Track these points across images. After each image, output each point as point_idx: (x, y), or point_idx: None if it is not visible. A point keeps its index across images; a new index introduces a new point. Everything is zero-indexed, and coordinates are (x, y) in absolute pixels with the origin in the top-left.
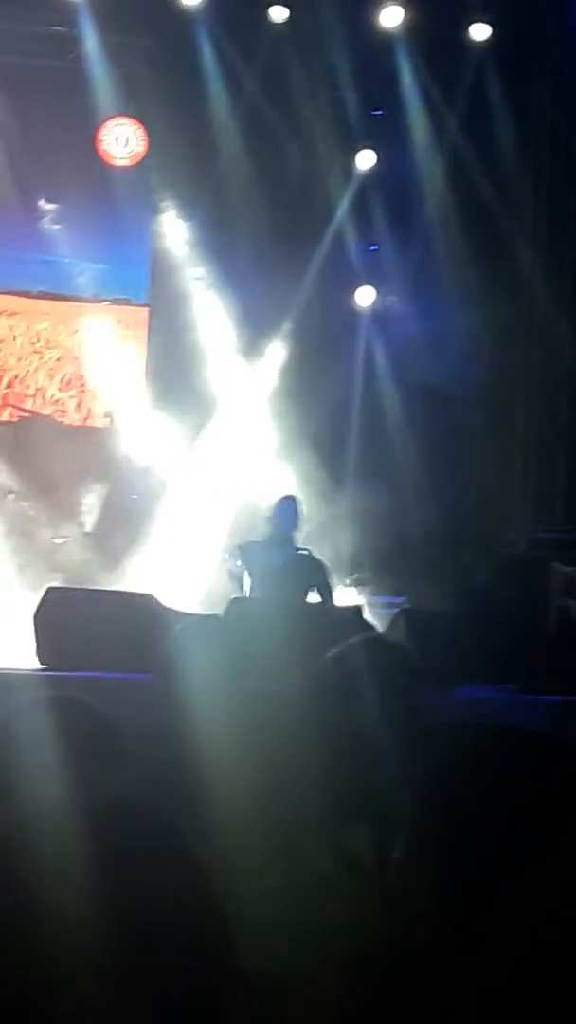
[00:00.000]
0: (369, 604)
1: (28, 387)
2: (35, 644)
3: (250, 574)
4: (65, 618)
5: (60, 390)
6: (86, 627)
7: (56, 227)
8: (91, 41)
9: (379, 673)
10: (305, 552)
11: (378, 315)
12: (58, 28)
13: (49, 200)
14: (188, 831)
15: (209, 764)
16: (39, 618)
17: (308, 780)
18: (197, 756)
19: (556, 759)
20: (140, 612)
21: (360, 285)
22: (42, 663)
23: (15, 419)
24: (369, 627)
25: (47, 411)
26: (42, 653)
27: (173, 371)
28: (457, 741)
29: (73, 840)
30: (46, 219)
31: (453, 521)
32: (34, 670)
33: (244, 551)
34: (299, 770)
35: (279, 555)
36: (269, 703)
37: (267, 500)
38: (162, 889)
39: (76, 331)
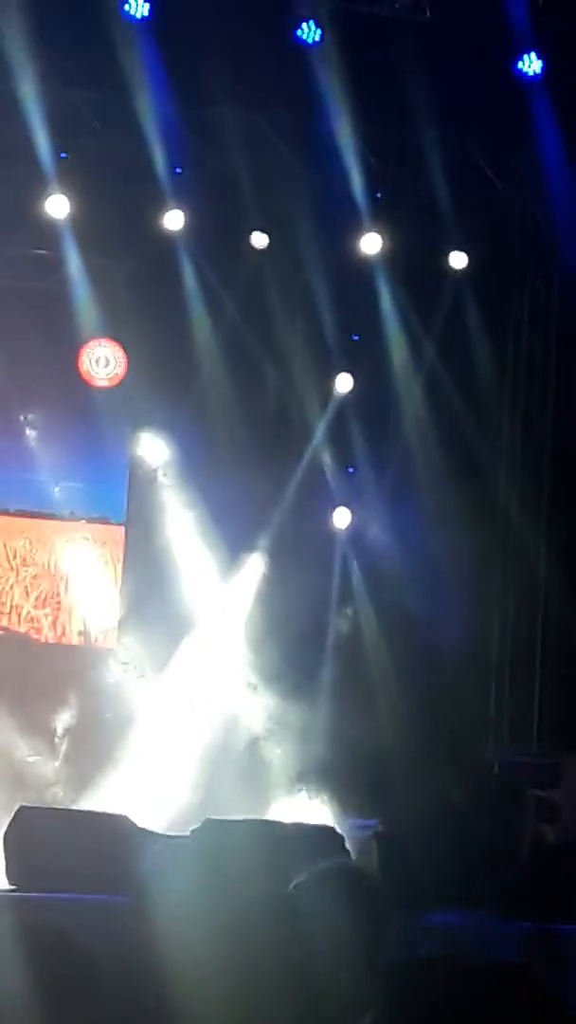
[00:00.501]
0: (342, 826)
1: (4, 604)
2: (4, 864)
3: None
4: (36, 838)
5: (36, 607)
6: (58, 847)
7: (35, 445)
8: (74, 264)
9: (346, 902)
10: None
11: (355, 535)
12: (41, 251)
13: (29, 418)
14: None
15: (184, 994)
16: (9, 838)
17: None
18: (172, 985)
19: (520, 1000)
20: (114, 833)
21: (337, 506)
22: (11, 883)
23: None
24: (342, 849)
25: (22, 628)
26: (12, 874)
27: (149, 589)
28: (421, 978)
29: None
30: (26, 436)
31: (428, 741)
32: (3, 890)
33: None
34: (269, 998)
35: None
36: (243, 930)
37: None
38: None
39: (53, 549)
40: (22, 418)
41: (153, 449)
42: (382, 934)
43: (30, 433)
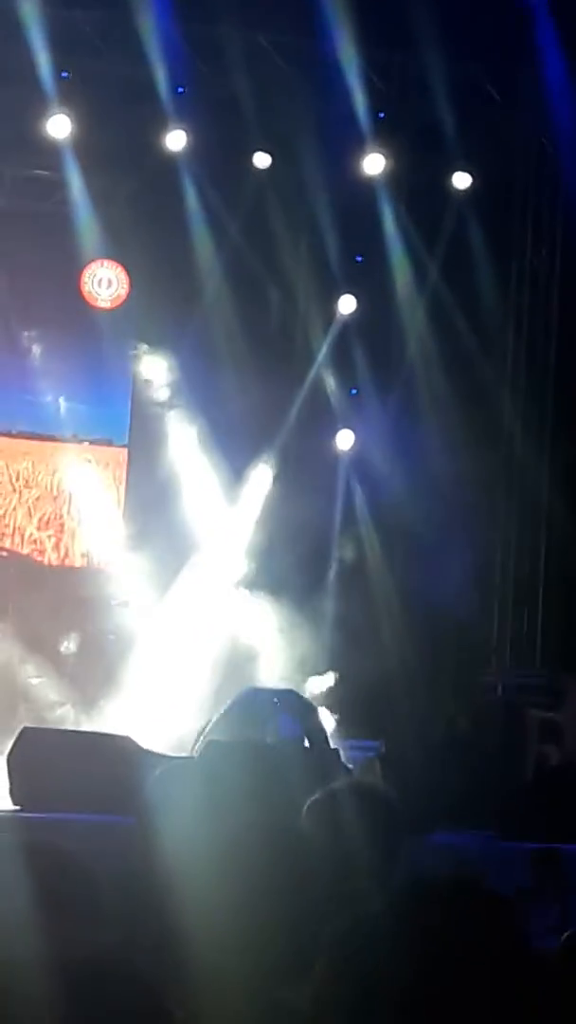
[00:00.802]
0: (345, 747)
1: (7, 526)
2: (8, 785)
3: None
4: (39, 759)
5: (39, 529)
6: (61, 768)
7: (38, 367)
8: (75, 184)
9: (364, 819)
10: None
11: (357, 458)
12: (43, 172)
13: (32, 340)
14: (165, 992)
15: (188, 914)
16: (12, 759)
17: (280, 925)
18: (175, 906)
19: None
20: (117, 754)
21: (340, 428)
22: (15, 804)
23: None
24: (346, 770)
25: (25, 550)
26: (15, 794)
27: (151, 511)
28: (424, 896)
29: (44, 1002)
30: (29, 358)
31: (432, 665)
32: (6, 811)
33: None
34: (274, 915)
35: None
36: (248, 847)
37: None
38: None
39: (55, 471)
40: (24, 340)
41: (156, 370)
42: (397, 852)
43: (33, 355)
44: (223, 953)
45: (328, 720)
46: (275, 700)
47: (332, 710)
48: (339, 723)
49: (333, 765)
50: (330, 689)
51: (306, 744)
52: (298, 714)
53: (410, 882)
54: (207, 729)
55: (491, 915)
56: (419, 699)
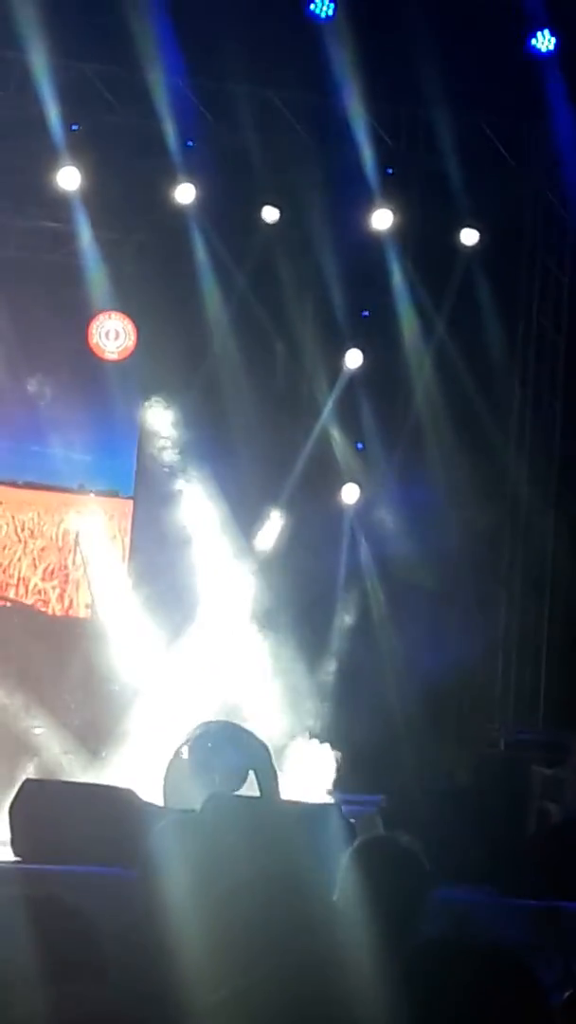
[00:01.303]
0: (345, 802)
1: (11, 576)
2: (9, 836)
3: None
4: (41, 810)
5: (43, 580)
6: (63, 820)
7: (45, 417)
8: (85, 236)
9: (392, 874)
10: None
11: (363, 512)
12: (52, 223)
13: (39, 391)
14: None
15: (188, 969)
16: (14, 810)
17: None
18: (176, 961)
19: (519, 986)
20: (119, 807)
21: (346, 482)
22: (16, 855)
23: None
24: (348, 825)
25: (29, 600)
26: (17, 846)
27: (156, 562)
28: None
29: None
30: (36, 409)
31: (435, 719)
32: (8, 862)
33: None
34: (275, 972)
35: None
36: (248, 904)
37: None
38: None
39: (61, 522)
40: (32, 390)
41: (162, 423)
42: (419, 911)
43: (40, 405)
44: (223, 1010)
45: (328, 774)
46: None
47: (332, 766)
48: (340, 777)
49: (333, 819)
50: (331, 743)
51: (252, 778)
52: (245, 750)
53: (414, 942)
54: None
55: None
56: (421, 753)
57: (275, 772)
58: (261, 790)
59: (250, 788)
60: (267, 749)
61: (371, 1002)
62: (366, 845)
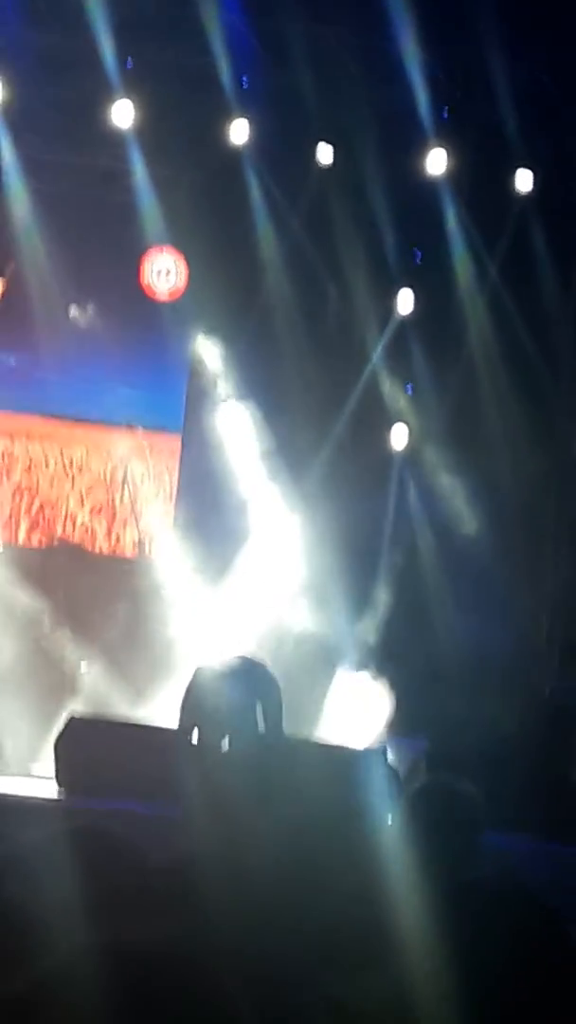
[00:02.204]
0: (391, 745)
1: (59, 513)
2: (55, 771)
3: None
4: (86, 746)
5: (90, 517)
6: (107, 756)
7: (95, 353)
8: (139, 173)
9: (453, 816)
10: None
11: (411, 454)
12: (106, 161)
13: (90, 327)
14: (221, 982)
15: (235, 905)
16: (60, 745)
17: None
18: (224, 900)
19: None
20: (164, 745)
21: (394, 424)
22: (60, 790)
23: (44, 545)
24: (391, 771)
25: (76, 538)
26: (61, 780)
27: (204, 500)
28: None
29: (98, 992)
30: (87, 345)
31: (481, 667)
32: (51, 798)
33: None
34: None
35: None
36: (300, 846)
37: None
38: None
39: (109, 458)
40: (83, 327)
41: (212, 360)
42: (469, 856)
43: (91, 342)
44: (272, 944)
45: (373, 715)
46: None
47: (379, 706)
48: (386, 721)
49: (380, 763)
50: (377, 686)
51: (259, 715)
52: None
53: (457, 884)
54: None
55: (535, 921)
56: (466, 700)
57: (281, 708)
58: (266, 724)
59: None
60: (277, 685)
61: (415, 941)
62: (424, 788)
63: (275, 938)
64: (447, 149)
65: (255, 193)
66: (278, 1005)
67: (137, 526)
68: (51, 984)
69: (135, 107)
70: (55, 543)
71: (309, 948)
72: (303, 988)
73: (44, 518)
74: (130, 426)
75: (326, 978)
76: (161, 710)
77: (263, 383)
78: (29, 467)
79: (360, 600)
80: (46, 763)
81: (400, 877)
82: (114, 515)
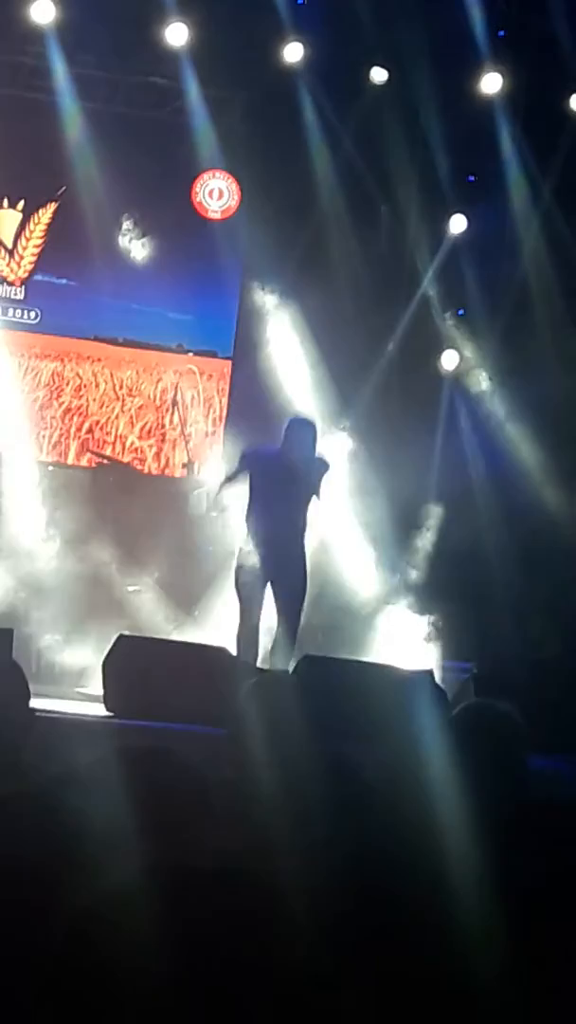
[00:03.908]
0: (439, 668)
1: (108, 434)
2: (103, 691)
3: (251, 480)
4: (135, 667)
5: (140, 438)
6: (156, 677)
7: (146, 275)
8: (192, 93)
9: (493, 737)
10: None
11: (462, 380)
12: (159, 79)
13: (140, 248)
14: (291, 896)
15: (288, 826)
16: (108, 665)
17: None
18: (276, 819)
19: None
20: (212, 665)
21: (446, 348)
22: (109, 710)
23: (93, 465)
24: (440, 692)
25: (126, 459)
26: (110, 700)
27: (253, 424)
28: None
29: (164, 915)
30: (137, 266)
31: (528, 590)
32: (101, 717)
33: (250, 458)
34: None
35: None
36: (343, 770)
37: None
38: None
39: (159, 380)
40: (133, 248)
41: (264, 284)
42: (517, 777)
43: (141, 263)
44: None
45: (422, 640)
46: None
47: (427, 630)
48: (433, 643)
49: (426, 685)
50: (423, 608)
51: None
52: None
53: (510, 807)
54: None
55: None
56: (514, 621)
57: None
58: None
59: None
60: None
61: (464, 865)
62: (466, 710)
63: (333, 862)
64: (501, 69)
65: (308, 114)
66: (338, 926)
67: (186, 448)
68: (115, 900)
69: (189, 26)
70: (105, 464)
71: (364, 873)
72: (362, 909)
73: (94, 439)
74: (181, 348)
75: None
76: (211, 630)
77: (315, 307)
78: (79, 389)
79: (409, 525)
80: (95, 683)
81: (451, 798)
82: (163, 437)
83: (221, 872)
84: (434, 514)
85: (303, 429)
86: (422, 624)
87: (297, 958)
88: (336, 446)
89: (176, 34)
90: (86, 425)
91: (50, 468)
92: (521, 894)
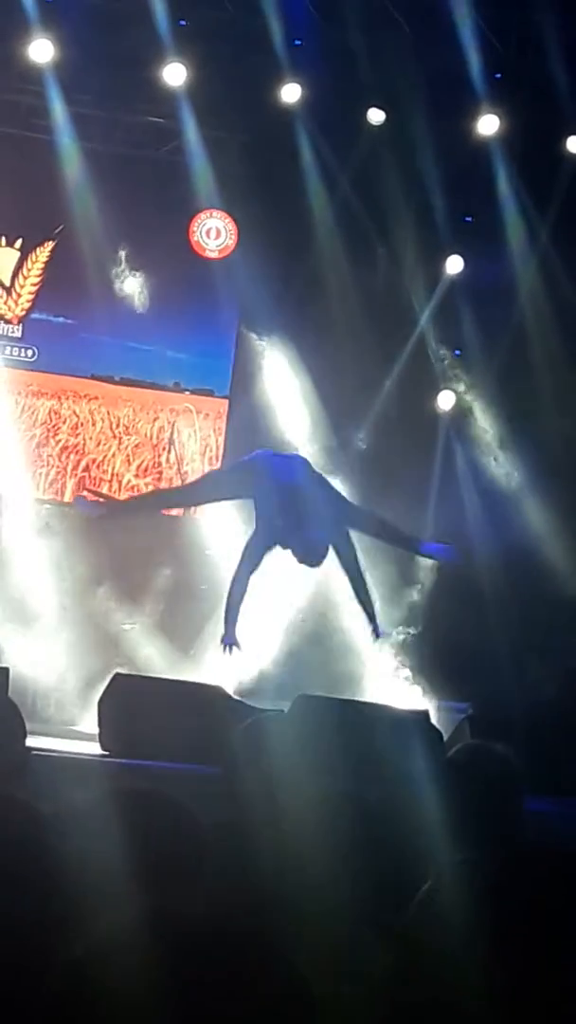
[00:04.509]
0: (435, 708)
1: (105, 472)
2: (98, 730)
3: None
4: (130, 705)
5: (136, 476)
6: (152, 715)
7: (143, 314)
8: (190, 133)
9: (486, 783)
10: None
11: (458, 419)
12: (157, 119)
13: (138, 287)
14: (289, 954)
15: (282, 865)
16: (104, 704)
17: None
18: (267, 863)
19: None
20: (208, 703)
21: (442, 388)
22: (104, 749)
23: None
24: (435, 732)
25: (122, 497)
26: (105, 739)
27: None
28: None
29: (159, 969)
30: (134, 305)
31: (524, 630)
32: (97, 756)
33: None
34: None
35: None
36: (338, 811)
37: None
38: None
39: (156, 419)
40: (130, 287)
41: (260, 323)
42: (512, 820)
43: (138, 302)
44: (327, 894)
45: (417, 682)
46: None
47: (420, 670)
48: (428, 684)
49: (422, 725)
50: (418, 648)
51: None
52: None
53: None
54: None
55: None
56: (508, 663)
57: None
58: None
59: None
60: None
61: (458, 910)
62: (463, 751)
63: (325, 906)
64: (498, 111)
65: (306, 155)
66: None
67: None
68: (109, 949)
69: (187, 67)
70: (101, 502)
71: (359, 917)
72: (355, 956)
73: (90, 477)
74: (177, 387)
75: (375, 947)
76: (206, 669)
77: (311, 346)
78: (76, 427)
79: (406, 558)
80: (91, 721)
81: (445, 839)
82: (160, 475)
83: (216, 918)
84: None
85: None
86: (417, 664)
87: (296, 1006)
88: (334, 484)
89: (174, 74)
90: (83, 463)
91: (47, 506)
92: (514, 937)
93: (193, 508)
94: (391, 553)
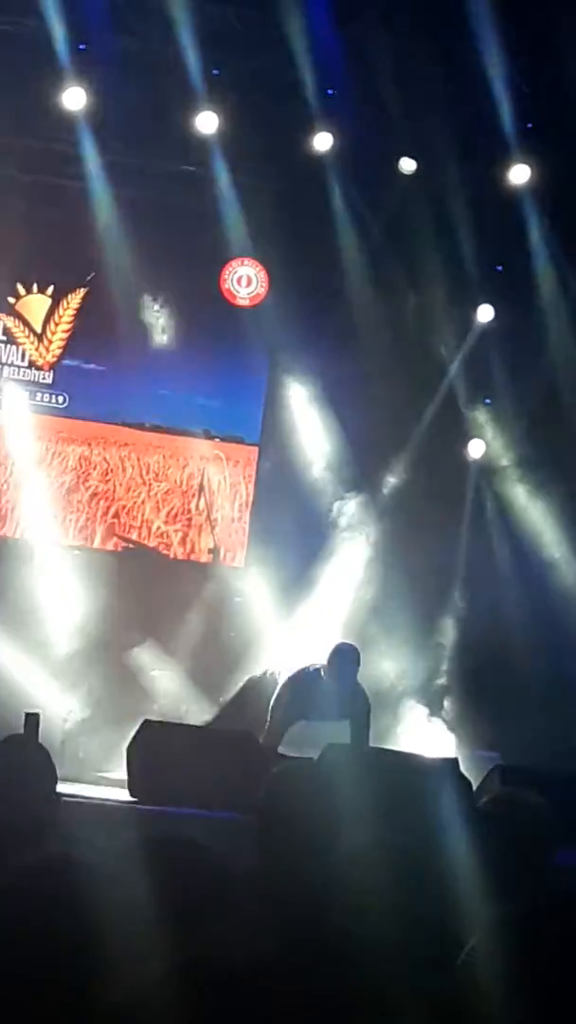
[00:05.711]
0: (464, 757)
1: (135, 518)
2: (127, 776)
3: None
4: (159, 752)
5: (166, 523)
6: (180, 763)
7: (173, 361)
8: (222, 181)
9: (522, 829)
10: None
11: (488, 469)
12: (189, 167)
13: (168, 334)
14: (325, 1000)
15: (308, 918)
16: (133, 750)
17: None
18: (296, 910)
19: None
20: (236, 751)
21: (472, 436)
22: (133, 796)
23: (119, 549)
24: (464, 781)
25: (152, 543)
26: (134, 786)
27: (280, 510)
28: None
29: (195, 1015)
30: (165, 352)
31: (556, 682)
32: (125, 802)
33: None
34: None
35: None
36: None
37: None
38: None
39: (185, 466)
40: (161, 334)
41: (291, 370)
42: (541, 871)
43: (169, 350)
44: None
45: (447, 731)
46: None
47: (449, 719)
48: (459, 734)
49: (451, 774)
50: (451, 699)
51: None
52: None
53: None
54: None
55: None
56: (541, 713)
57: (368, 725)
58: (353, 739)
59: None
60: (367, 701)
61: (485, 959)
62: (495, 801)
63: (355, 956)
64: (529, 161)
65: (337, 203)
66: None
67: (212, 533)
68: (144, 998)
69: (219, 115)
70: (131, 548)
71: (394, 974)
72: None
73: (120, 523)
74: (207, 434)
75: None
76: (234, 716)
77: (342, 393)
78: (106, 473)
79: (435, 613)
80: (120, 768)
81: (473, 889)
82: (190, 521)
83: (249, 966)
84: (461, 602)
85: (344, 656)
86: (448, 712)
87: None
88: (364, 532)
89: (206, 122)
90: (112, 509)
91: (76, 552)
92: (541, 990)
93: (222, 556)
94: (421, 603)
